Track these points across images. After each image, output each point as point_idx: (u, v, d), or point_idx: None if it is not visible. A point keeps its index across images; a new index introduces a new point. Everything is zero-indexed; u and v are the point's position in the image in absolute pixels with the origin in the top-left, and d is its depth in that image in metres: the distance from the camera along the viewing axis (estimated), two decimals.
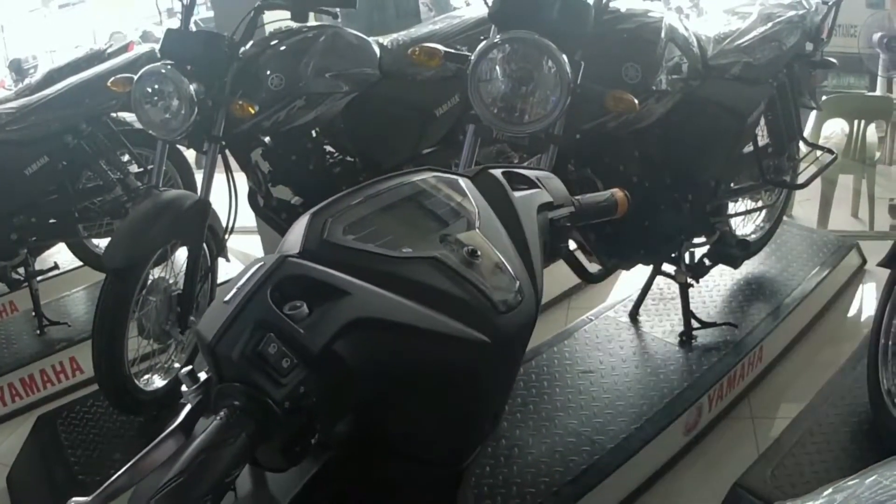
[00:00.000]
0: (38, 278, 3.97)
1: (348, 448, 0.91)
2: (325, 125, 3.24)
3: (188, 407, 0.87)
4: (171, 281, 3.00)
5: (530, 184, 1.20)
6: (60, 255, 4.43)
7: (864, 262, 3.96)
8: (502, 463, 2.53)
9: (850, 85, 7.09)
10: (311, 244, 0.94)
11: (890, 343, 2.57)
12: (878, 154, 5.73)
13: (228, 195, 3.05)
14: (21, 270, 3.88)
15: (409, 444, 0.96)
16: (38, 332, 3.94)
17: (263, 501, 0.92)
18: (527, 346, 1.06)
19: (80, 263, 4.49)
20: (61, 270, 4.36)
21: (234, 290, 0.86)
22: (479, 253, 0.98)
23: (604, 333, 3.25)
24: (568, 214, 1.22)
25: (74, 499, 0.80)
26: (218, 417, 0.80)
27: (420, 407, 0.94)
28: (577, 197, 1.26)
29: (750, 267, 3.66)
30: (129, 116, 3.81)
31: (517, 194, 1.15)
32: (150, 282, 2.91)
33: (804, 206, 5.31)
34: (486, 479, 2.47)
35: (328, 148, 3.32)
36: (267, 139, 3.21)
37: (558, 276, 3.60)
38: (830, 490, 1.07)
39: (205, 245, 3.02)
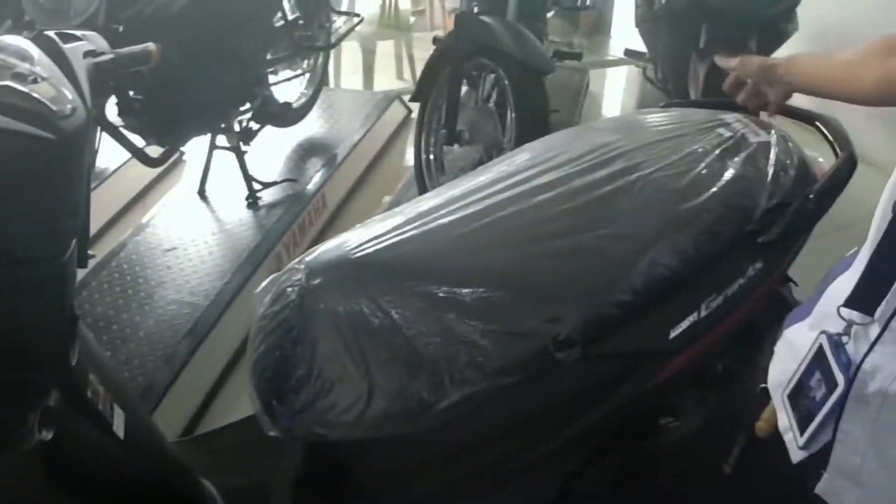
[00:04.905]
0: None
1: None
2: None
3: None
4: None
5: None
6: None
7: (410, 111, 4.62)
8: (118, 346, 2.77)
9: None
10: None
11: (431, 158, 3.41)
12: (412, 20, 6.48)
13: None
14: None
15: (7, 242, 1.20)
16: None
17: None
18: (85, 153, 1.37)
19: None
20: None
21: None
22: (39, 79, 1.29)
23: (178, 214, 3.57)
24: (110, 59, 1.58)
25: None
26: None
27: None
28: (116, 50, 1.65)
29: (303, 130, 4.17)
30: None
31: (66, 45, 1.46)
32: None
33: (352, 78, 5.97)
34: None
35: None
36: None
37: (131, 177, 3.93)
38: None
39: None
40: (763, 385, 1.36)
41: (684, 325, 1.67)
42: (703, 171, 1.78)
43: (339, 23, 4.32)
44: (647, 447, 1.99)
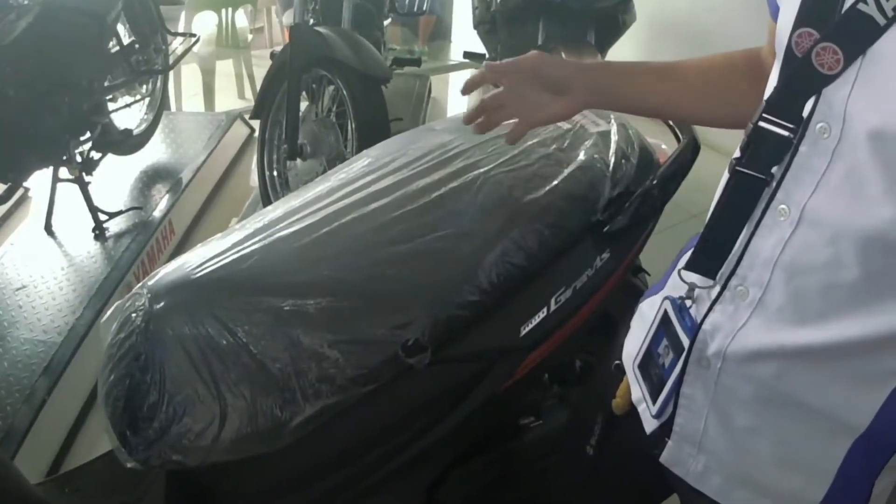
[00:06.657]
0: None
1: None
2: None
3: None
4: None
5: None
6: None
7: (253, 130, 4.59)
8: None
9: None
10: None
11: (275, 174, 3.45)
12: (250, 37, 6.40)
13: None
14: None
15: None
16: None
17: None
18: None
19: None
20: None
21: None
22: None
23: (27, 252, 3.46)
24: None
25: None
26: None
27: None
28: None
29: (146, 156, 4.09)
30: None
31: None
32: None
33: (193, 100, 5.88)
34: None
35: None
36: None
37: None
38: None
39: None
40: (617, 362, 1.34)
41: (535, 321, 1.68)
42: (545, 165, 1.80)
43: (176, 44, 4.25)
44: (511, 448, 2.01)
